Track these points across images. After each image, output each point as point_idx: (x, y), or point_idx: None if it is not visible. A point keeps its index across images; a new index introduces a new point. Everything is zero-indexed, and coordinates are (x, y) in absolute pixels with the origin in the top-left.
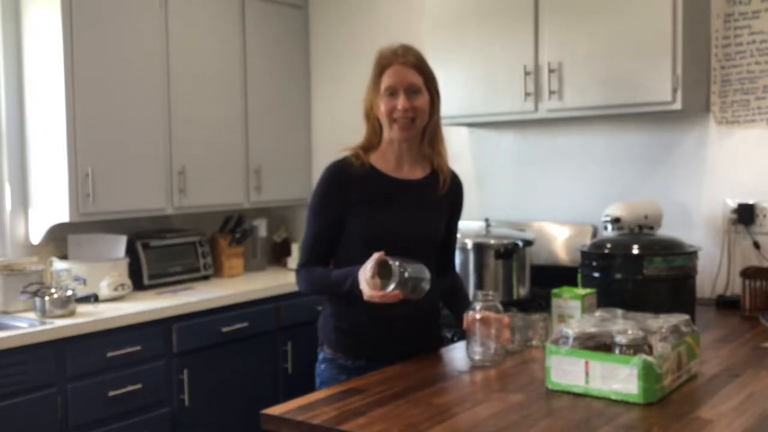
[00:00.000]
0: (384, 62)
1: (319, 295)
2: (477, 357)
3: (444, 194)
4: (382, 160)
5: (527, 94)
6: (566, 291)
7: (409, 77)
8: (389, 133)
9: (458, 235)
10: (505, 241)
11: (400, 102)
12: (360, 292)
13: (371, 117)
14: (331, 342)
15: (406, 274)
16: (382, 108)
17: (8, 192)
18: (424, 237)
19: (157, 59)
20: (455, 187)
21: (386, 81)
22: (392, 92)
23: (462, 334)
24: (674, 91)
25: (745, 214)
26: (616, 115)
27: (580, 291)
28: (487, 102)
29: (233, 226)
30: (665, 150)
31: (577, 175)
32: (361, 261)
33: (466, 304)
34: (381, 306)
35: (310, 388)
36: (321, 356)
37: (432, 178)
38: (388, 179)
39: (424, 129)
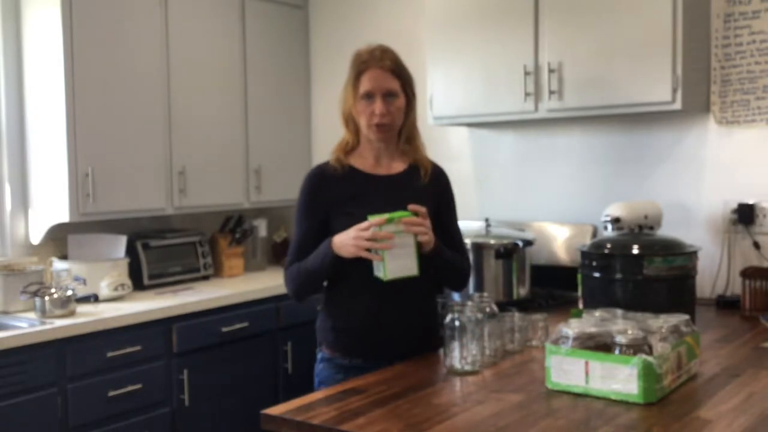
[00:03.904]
0: (361, 66)
1: (304, 289)
2: (458, 364)
3: (427, 185)
4: (361, 159)
5: (527, 94)
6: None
7: (386, 82)
8: (367, 133)
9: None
10: (505, 241)
11: (377, 107)
12: (334, 256)
13: (349, 118)
14: (329, 342)
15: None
16: (360, 111)
17: (8, 192)
18: None
19: (157, 59)
20: (439, 177)
21: (364, 85)
22: (369, 96)
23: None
24: (674, 91)
25: (745, 214)
26: (616, 115)
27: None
28: (487, 102)
29: (233, 226)
30: (665, 150)
31: (577, 175)
32: (346, 263)
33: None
34: (379, 307)
35: (310, 388)
36: (319, 356)
37: (411, 171)
38: (366, 176)
39: (401, 128)
